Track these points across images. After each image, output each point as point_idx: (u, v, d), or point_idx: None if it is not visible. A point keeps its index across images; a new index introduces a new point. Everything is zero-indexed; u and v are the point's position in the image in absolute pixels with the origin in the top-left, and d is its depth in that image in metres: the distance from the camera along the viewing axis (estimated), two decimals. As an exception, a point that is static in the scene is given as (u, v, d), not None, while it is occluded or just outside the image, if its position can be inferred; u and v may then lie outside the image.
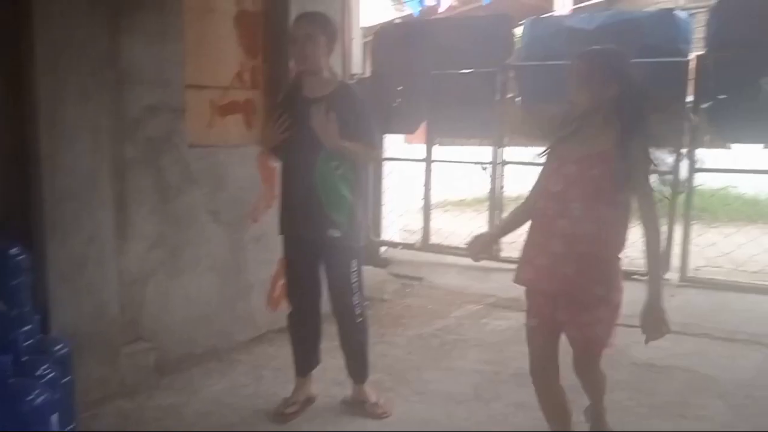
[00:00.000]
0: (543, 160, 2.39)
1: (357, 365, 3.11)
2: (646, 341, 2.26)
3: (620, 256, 2.32)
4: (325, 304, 3.09)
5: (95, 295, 3.10)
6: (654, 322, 2.23)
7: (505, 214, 5.86)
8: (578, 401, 2.60)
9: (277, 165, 3.04)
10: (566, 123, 2.35)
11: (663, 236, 2.42)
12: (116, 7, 3.13)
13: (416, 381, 3.47)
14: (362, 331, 3.07)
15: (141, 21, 3.26)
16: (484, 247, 2.55)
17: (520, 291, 5.36)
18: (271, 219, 3.09)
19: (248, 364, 3.66)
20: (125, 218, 3.28)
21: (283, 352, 3.24)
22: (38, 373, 2.22)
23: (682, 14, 5.05)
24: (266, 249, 3.79)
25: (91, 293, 3.09)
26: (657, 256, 2.26)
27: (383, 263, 5.94)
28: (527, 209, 2.46)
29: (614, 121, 2.24)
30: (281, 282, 3.19)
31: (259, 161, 3.89)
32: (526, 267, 2.39)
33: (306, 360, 3.13)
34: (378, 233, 6.27)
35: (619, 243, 2.30)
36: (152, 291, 3.44)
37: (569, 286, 2.27)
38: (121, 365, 3.24)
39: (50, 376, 2.25)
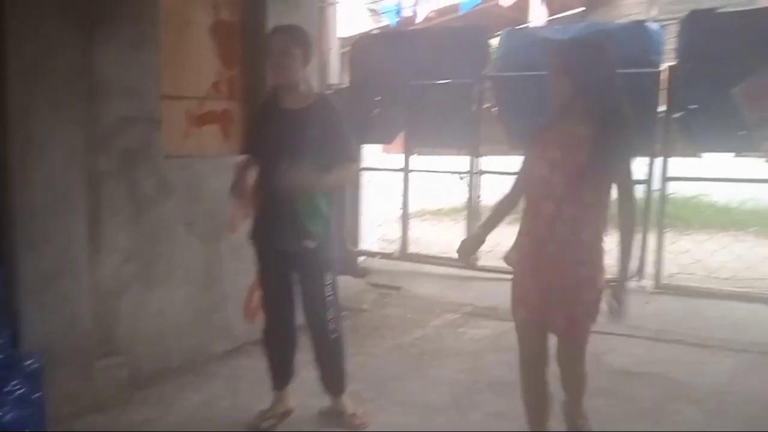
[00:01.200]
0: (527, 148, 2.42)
1: (332, 380, 3.08)
2: (612, 313, 2.32)
3: (603, 238, 2.36)
4: (301, 316, 3.07)
5: (67, 308, 3.06)
6: (621, 297, 2.33)
7: (482, 223, 5.91)
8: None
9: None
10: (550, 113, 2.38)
11: (637, 226, 2.48)
12: (90, 18, 3.10)
13: (395, 391, 3.46)
14: (337, 346, 3.04)
15: (116, 31, 3.23)
16: (473, 248, 2.57)
17: (497, 299, 5.39)
18: (248, 229, 3.07)
19: (225, 377, 3.63)
20: (99, 230, 3.23)
21: (260, 364, 3.21)
22: (8, 389, 2.19)
23: (653, 26, 5.14)
24: (243, 260, 3.76)
25: (64, 307, 3.04)
26: (630, 241, 2.35)
27: (361, 273, 5.93)
28: (510, 200, 2.51)
29: (594, 108, 2.26)
30: (258, 293, 3.16)
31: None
32: (515, 250, 2.42)
33: (283, 374, 3.11)
34: (356, 243, 6.27)
35: (603, 226, 2.34)
36: (126, 304, 3.39)
37: (555, 268, 2.30)
38: (94, 380, 3.19)
39: (20, 392, 2.22)
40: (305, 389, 3.25)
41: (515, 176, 2.51)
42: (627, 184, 2.34)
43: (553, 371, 2.51)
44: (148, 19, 3.38)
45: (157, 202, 3.50)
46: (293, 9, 4.25)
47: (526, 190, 2.42)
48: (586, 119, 2.27)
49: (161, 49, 3.49)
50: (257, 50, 4.00)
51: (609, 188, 2.31)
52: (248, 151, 3.02)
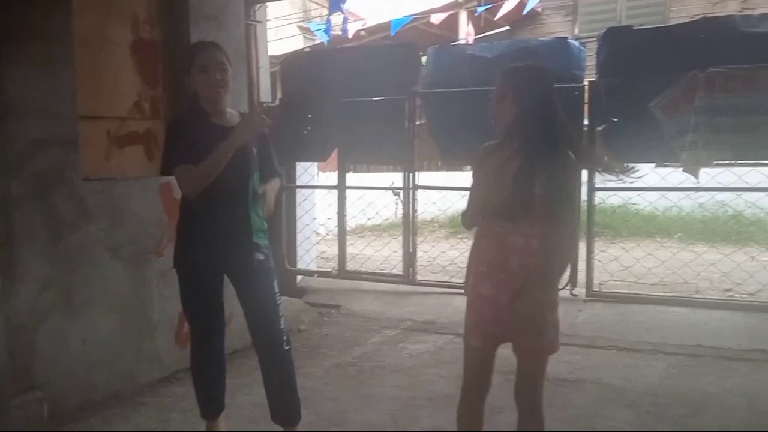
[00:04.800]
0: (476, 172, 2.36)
1: (287, 403, 2.89)
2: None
3: None
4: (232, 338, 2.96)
5: (-22, 343, 2.86)
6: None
7: (420, 238, 5.94)
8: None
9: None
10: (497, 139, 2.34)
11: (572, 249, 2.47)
12: (-1, 35, 2.95)
13: (333, 412, 3.39)
14: (290, 360, 2.88)
15: (27, 50, 3.07)
16: None
17: (435, 313, 5.38)
18: (175, 255, 2.94)
19: (154, 407, 3.46)
20: (12, 259, 3.04)
21: (192, 392, 3.07)
22: None
23: (575, 43, 5.33)
24: (172, 284, 3.61)
25: (-26, 342, 2.84)
26: (564, 260, 2.33)
27: (299, 293, 5.84)
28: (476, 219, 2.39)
29: (538, 131, 2.22)
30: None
31: (162, 192, 3.74)
32: (478, 280, 2.32)
33: (215, 402, 2.96)
34: (293, 262, 6.17)
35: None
36: (45, 336, 3.19)
37: (521, 296, 2.21)
38: (11, 418, 2.99)
39: None
40: (240, 415, 3.14)
41: (469, 198, 2.36)
42: (570, 203, 2.35)
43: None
44: (61, 37, 3.23)
45: (76, 227, 3.33)
46: (218, 27, 4.18)
47: (485, 217, 2.32)
48: (534, 143, 2.21)
49: (78, 68, 3.34)
50: (181, 69, 3.90)
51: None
52: (183, 162, 2.69)
